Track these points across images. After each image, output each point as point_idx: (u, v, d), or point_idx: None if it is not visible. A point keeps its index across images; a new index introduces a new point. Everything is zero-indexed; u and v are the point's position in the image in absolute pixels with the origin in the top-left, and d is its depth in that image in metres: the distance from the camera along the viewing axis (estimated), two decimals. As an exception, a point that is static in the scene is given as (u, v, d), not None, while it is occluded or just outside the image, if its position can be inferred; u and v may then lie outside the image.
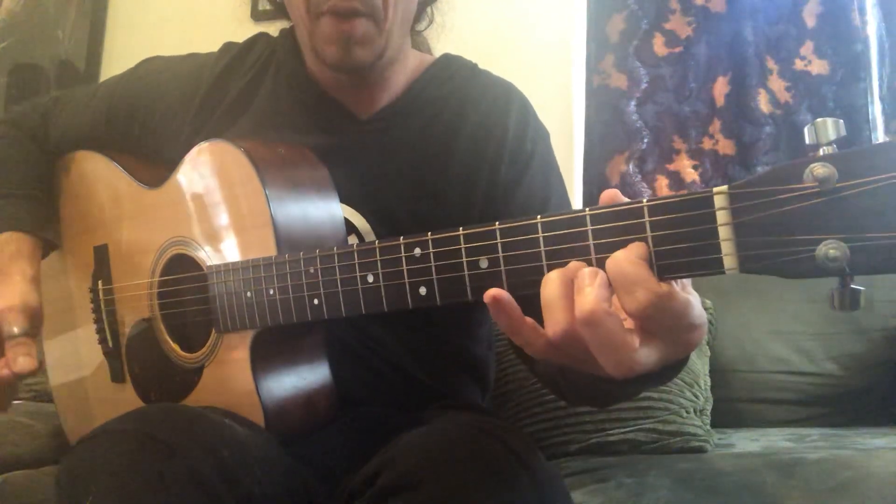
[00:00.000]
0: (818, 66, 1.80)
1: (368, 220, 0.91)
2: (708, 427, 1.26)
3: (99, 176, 1.03)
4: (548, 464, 0.75)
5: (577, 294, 0.51)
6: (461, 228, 0.61)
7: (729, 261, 0.49)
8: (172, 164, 0.91)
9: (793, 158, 1.66)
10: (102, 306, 1.01)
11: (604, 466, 1.08)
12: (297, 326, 0.79)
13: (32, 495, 1.08)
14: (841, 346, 1.47)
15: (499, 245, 0.59)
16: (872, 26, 1.77)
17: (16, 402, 1.72)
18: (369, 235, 0.91)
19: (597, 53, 2.00)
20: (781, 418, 1.47)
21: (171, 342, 0.91)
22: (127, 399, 0.96)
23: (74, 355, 1.07)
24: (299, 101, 0.96)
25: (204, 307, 0.84)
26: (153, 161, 1.01)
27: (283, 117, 0.96)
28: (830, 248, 0.45)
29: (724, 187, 0.49)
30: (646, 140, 1.93)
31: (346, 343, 0.90)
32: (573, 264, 0.54)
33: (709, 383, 1.34)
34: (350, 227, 0.90)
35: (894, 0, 1.77)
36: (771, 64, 1.84)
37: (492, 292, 0.55)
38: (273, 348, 0.80)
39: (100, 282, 1.01)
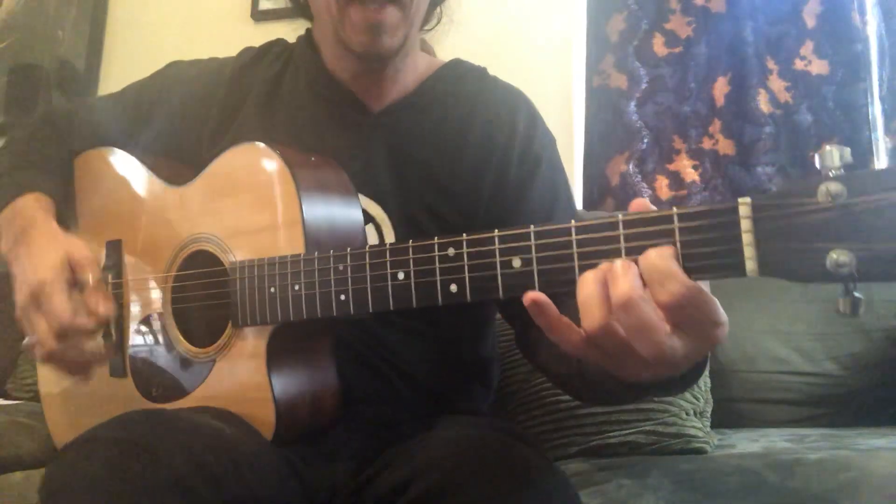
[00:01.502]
0: (818, 66, 1.80)
1: (384, 209, 0.93)
2: (708, 429, 1.26)
3: (122, 172, 1.04)
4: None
5: (612, 284, 0.55)
6: (496, 230, 0.64)
7: (750, 264, 0.54)
8: (196, 162, 0.92)
9: (792, 158, 1.67)
10: None
11: (604, 468, 1.08)
12: (312, 328, 0.81)
13: (32, 495, 1.08)
14: (841, 346, 1.47)
15: (533, 246, 0.62)
16: (872, 26, 1.77)
17: (16, 402, 1.72)
18: (385, 224, 0.93)
19: (597, 53, 2.00)
20: (781, 418, 1.47)
21: (180, 337, 0.91)
22: (125, 394, 0.96)
23: None
24: (317, 95, 0.99)
25: (222, 302, 0.85)
26: (177, 160, 1.02)
27: (303, 112, 0.99)
28: (839, 256, 0.50)
29: (748, 199, 0.54)
30: (646, 140, 1.93)
31: (351, 344, 0.90)
32: (606, 264, 0.57)
33: (709, 385, 1.34)
34: (367, 217, 0.92)
35: (894, 0, 1.77)
36: (771, 64, 1.83)
37: (531, 295, 0.58)
38: (288, 346, 0.81)
39: (110, 276, 1.02)
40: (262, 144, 0.85)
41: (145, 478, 0.62)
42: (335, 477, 0.84)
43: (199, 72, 1.06)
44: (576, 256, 0.60)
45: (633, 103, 1.95)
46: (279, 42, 1.08)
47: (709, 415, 1.30)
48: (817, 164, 0.52)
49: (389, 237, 0.93)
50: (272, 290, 0.79)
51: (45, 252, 0.87)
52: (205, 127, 1.01)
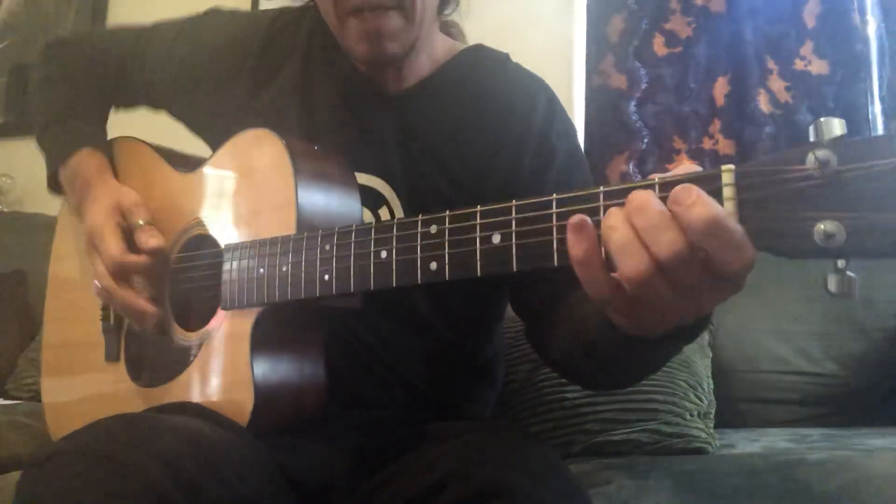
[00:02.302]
0: (818, 66, 1.80)
1: (397, 192, 0.93)
2: (711, 430, 1.25)
3: (138, 160, 1.05)
4: None
5: (691, 207, 0.50)
6: (479, 206, 0.63)
7: None
8: (221, 131, 0.94)
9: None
10: None
11: (605, 468, 1.08)
12: (301, 317, 0.80)
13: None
14: (841, 346, 1.47)
15: (513, 220, 0.61)
16: (872, 26, 1.77)
17: (15, 402, 1.72)
18: (397, 206, 0.92)
19: (597, 53, 2.00)
20: (782, 418, 1.47)
21: (172, 320, 0.92)
22: (116, 379, 0.97)
23: (73, 332, 1.07)
24: (340, 77, 0.97)
25: (214, 284, 0.85)
26: (205, 115, 1.03)
27: (331, 97, 0.97)
28: (827, 226, 0.47)
29: (731, 166, 0.52)
30: (646, 140, 1.93)
31: (349, 343, 0.90)
32: (632, 198, 0.54)
33: (712, 386, 1.34)
34: (381, 199, 0.92)
35: (894, 0, 1.77)
36: (771, 64, 1.83)
37: (578, 216, 0.55)
38: (274, 332, 0.81)
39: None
40: (266, 131, 0.85)
41: (115, 488, 0.60)
42: (330, 478, 0.84)
43: (236, 26, 1.03)
44: (554, 230, 0.58)
45: (633, 103, 1.95)
46: (311, 10, 1.01)
47: (712, 416, 1.30)
48: (811, 136, 0.49)
49: None
50: (261, 270, 0.79)
51: (99, 203, 0.95)
52: (235, 84, 0.99)
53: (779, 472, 0.96)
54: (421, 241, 0.66)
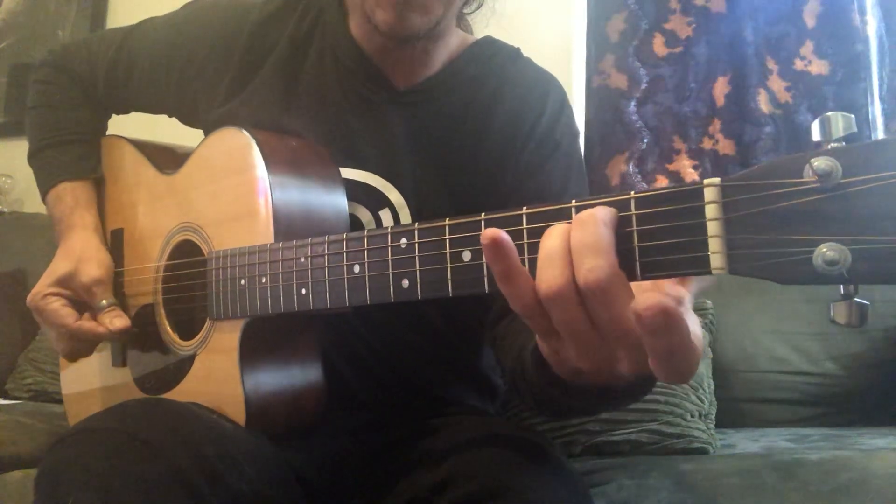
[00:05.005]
0: (818, 66, 1.80)
1: (403, 194, 0.89)
2: (712, 431, 1.25)
3: (124, 162, 1.04)
4: None
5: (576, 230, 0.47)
6: (447, 219, 0.58)
7: (716, 260, 0.44)
8: (206, 119, 0.93)
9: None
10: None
11: (605, 468, 1.08)
12: (290, 323, 0.79)
13: (31, 494, 1.08)
14: (841, 346, 1.47)
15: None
16: (872, 26, 1.77)
17: (15, 401, 1.73)
18: (403, 209, 0.89)
19: (597, 53, 2.00)
20: (782, 418, 1.47)
21: (169, 329, 0.91)
22: (124, 384, 0.96)
23: None
24: (342, 67, 0.93)
25: (201, 293, 0.84)
26: (190, 115, 1.01)
27: (326, 85, 0.93)
28: (829, 251, 0.40)
29: (717, 179, 0.45)
30: (646, 140, 1.93)
31: (352, 344, 0.89)
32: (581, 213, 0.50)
33: (713, 387, 1.34)
34: (384, 201, 0.89)
35: (894, 0, 1.77)
36: (771, 64, 1.84)
37: (490, 232, 0.48)
38: (264, 341, 0.79)
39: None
40: (238, 129, 0.82)
41: (144, 471, 0.61)
42: (338, 476, 0.84)
43: (222, 17, 0.97)
44: (526, 248, 0.52)
45: (633, 103, 1.95)
46: None
47: (713, 417, 1.30)
48: (814, 135, 0.42)
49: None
50: (242, 282, 0.77)
51: (57, 264, 0.95)
52: (222, 80, 0.95)
53: (779, 472, 0.96)
54: (392, 255, 0.62)
